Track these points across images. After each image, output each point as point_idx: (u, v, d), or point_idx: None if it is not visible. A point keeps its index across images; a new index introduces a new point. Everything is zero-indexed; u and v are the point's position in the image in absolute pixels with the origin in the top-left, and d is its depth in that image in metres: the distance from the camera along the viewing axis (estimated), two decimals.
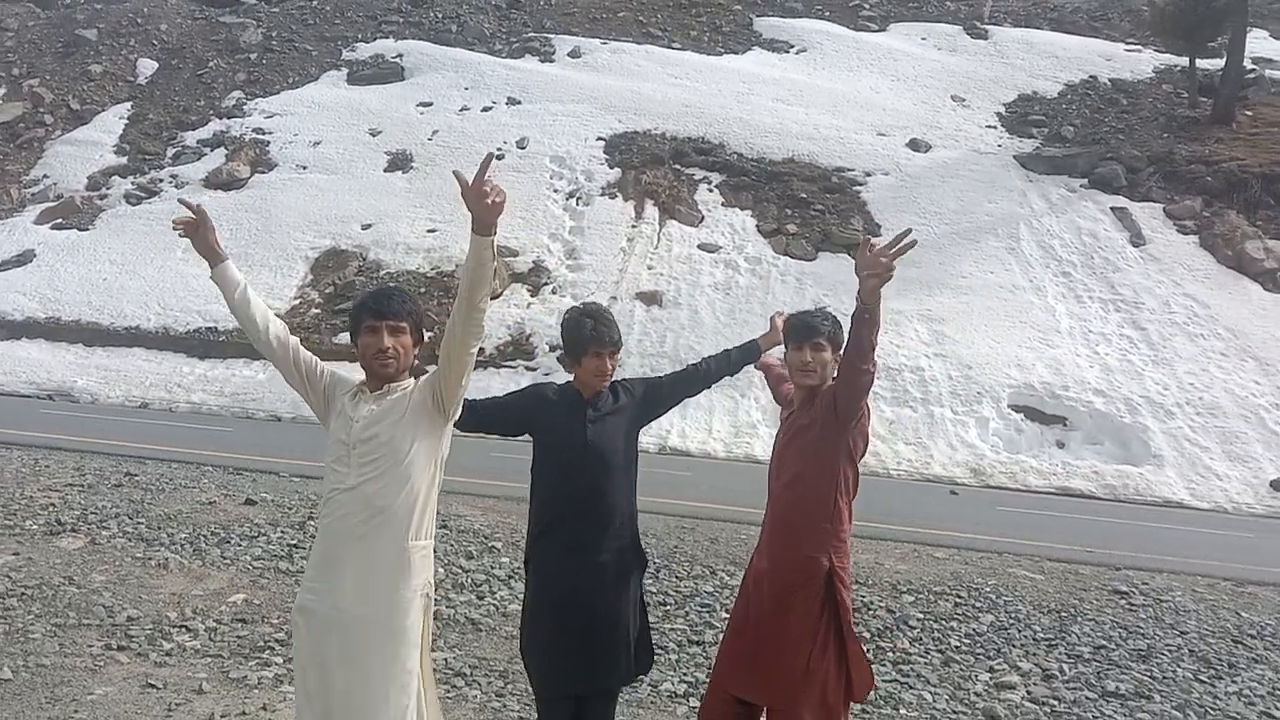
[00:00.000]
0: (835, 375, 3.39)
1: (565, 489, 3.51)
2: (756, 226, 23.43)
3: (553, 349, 19.21)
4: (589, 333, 3.53)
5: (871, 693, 5.21)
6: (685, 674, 5.44)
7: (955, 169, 25.13)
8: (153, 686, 4.95)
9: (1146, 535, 11.16)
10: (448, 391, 3.00)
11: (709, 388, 4.03)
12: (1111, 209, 23.12)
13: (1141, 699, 5.49)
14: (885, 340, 19.39)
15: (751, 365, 4.14)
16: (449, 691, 5.04)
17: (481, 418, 3.54)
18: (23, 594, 6.16)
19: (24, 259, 23.27)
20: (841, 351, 3.45)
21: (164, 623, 5.87)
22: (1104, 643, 6.44)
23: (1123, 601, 7.56)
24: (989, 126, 27.36)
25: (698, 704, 5.02)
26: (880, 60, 31.14)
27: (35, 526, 7.78)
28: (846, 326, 3.39)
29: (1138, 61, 30.18)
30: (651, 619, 6.29)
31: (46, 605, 6.02)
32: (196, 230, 3.22)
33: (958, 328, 19.69)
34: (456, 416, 3.12)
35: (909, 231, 3.36)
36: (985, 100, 28.67)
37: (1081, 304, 20.33)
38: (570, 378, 3.68)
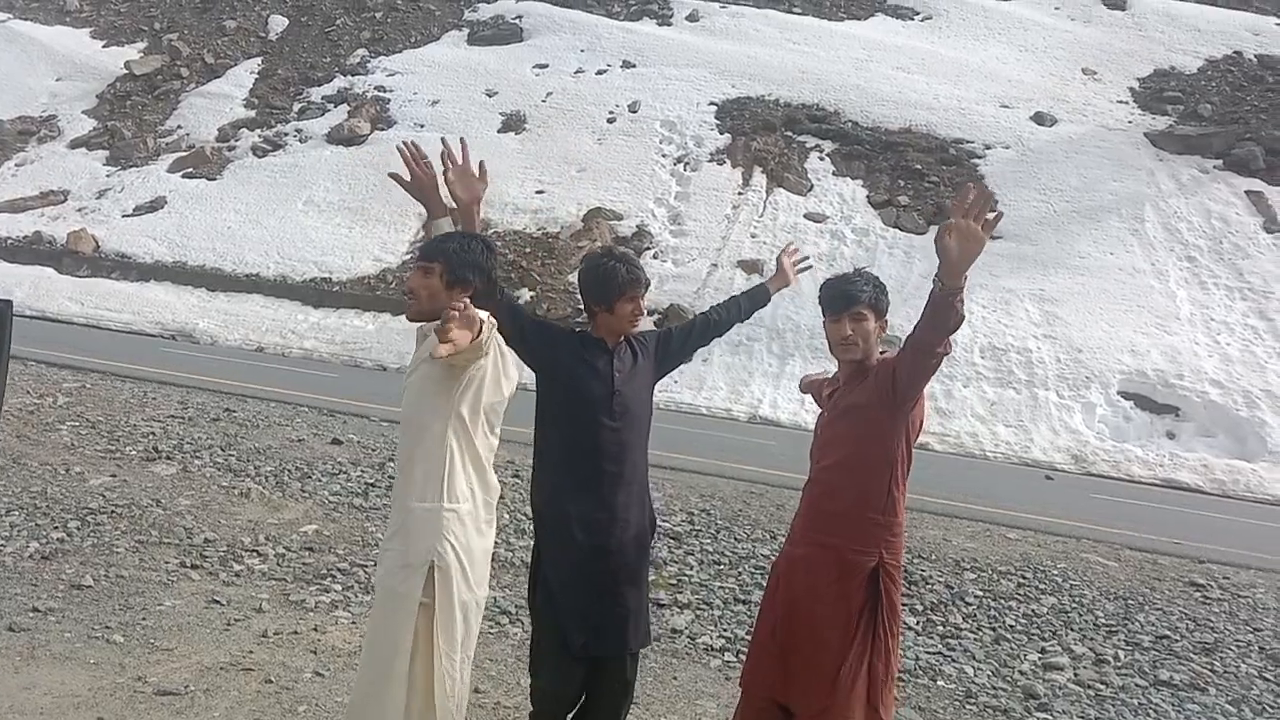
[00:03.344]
0: (901, 351, 3.00)
1: (591, 440, 3.36)
2: (867, 197, 23.01)
3: (652, 313, 19.28)
4: (625, 276, 3.39)
5: (912, 663, 5.18)
6: (725, 630, 5.47)
7: (1081, 144, 24.16)
8: (217, 603, 5.23)
9: (1244, 532, 10.63)
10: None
11: (720, 337, 3.88)
12: (1246, 192, 21.92)
13: (1195, 690, 5.28)
14: (993, 318, 18.88)
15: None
16: (492, 628, 5.18)
17: (518, 326, 3.30)
18: (113, 512, 6.56)
19: (156, 205, 24.46)
20: (889, 322, 3.15)
21: (237, 546, 6.18)
22: (1168, 633, 6.21)
23: (1197, 594, 7.25)
24: (1120, 101, 26.19)
25: (733, 659, 5.07)
26: (1009, 29, 30.05)
27: (134, 452, 8.25)
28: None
29: None
30: (703, 576, 6.39)
31: (133, 523, 6.39)
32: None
33: (1071, 309, 19.04)
34: (468, 380, 2.89)
35: (999, 215, 3.04)
36: (1118, 74, 27.42)
37: (1205, 291, 19.40)
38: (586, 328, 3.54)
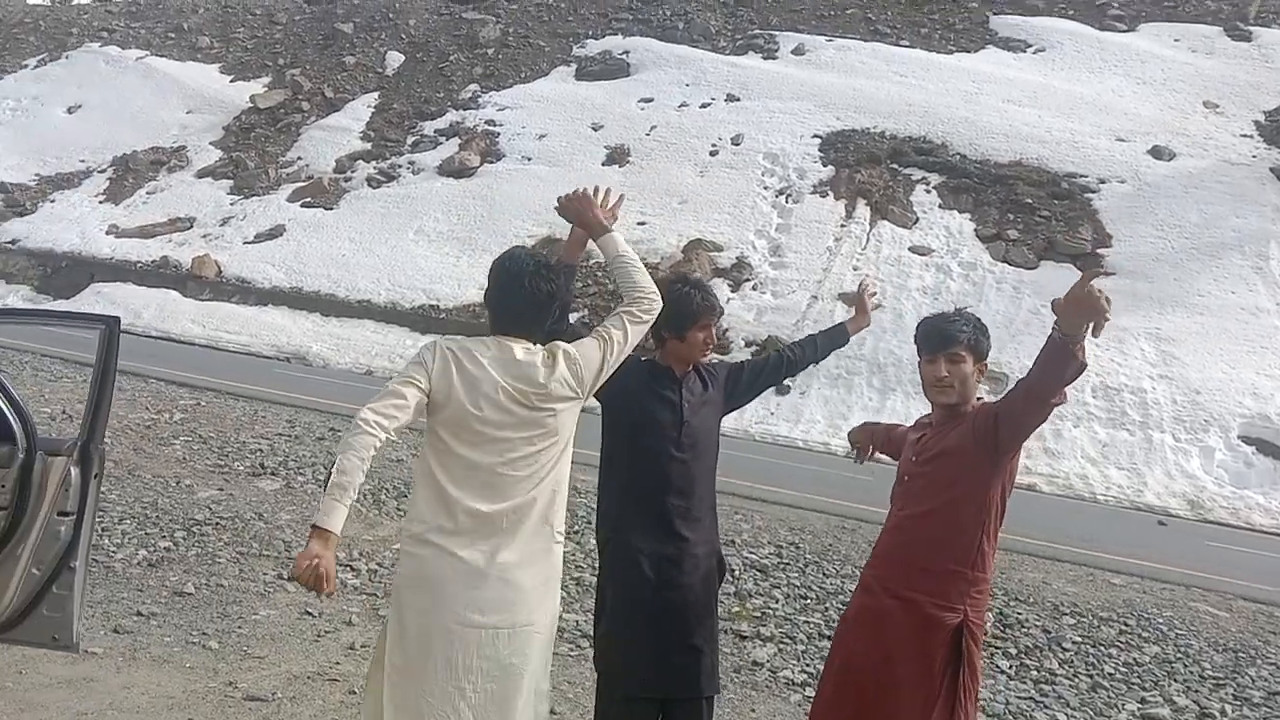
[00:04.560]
0: (1010, 395, 2.85)
1: (659, 472, 3.28)
2: (974, 231, 22.52)
3: (748, 344, 19.21)
4: (700, 303, 3.34)
5: (1003, 707, 5.01)
6: (808, 665, 5.38)
7: (1201, 179, 23.24)
8: (309, 614, 5.39)
9: None
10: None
11: (793, 377, 3.82)
12: None
13: None
14: (1106, 357, 18.22)
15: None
16: (572, 650, 5.20)
17: None
18: (218, 523, 6.83)
19: (275, 233, 25.50)
20: (988, 361, 3.03)
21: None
22: None
23: None
24: (1244, 135, 25.13)
25: (814, 695, 4.97)
26: (1126, 62, 29.17)
27: (242, 468, 8.59)
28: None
29: None
30: (789, 610, 6.30)
31: (236, 535, 6.65)
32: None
33: (1189, 349, 18.26)
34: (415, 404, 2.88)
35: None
36: (1242, 107, 26.34)
37: None
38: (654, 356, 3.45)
